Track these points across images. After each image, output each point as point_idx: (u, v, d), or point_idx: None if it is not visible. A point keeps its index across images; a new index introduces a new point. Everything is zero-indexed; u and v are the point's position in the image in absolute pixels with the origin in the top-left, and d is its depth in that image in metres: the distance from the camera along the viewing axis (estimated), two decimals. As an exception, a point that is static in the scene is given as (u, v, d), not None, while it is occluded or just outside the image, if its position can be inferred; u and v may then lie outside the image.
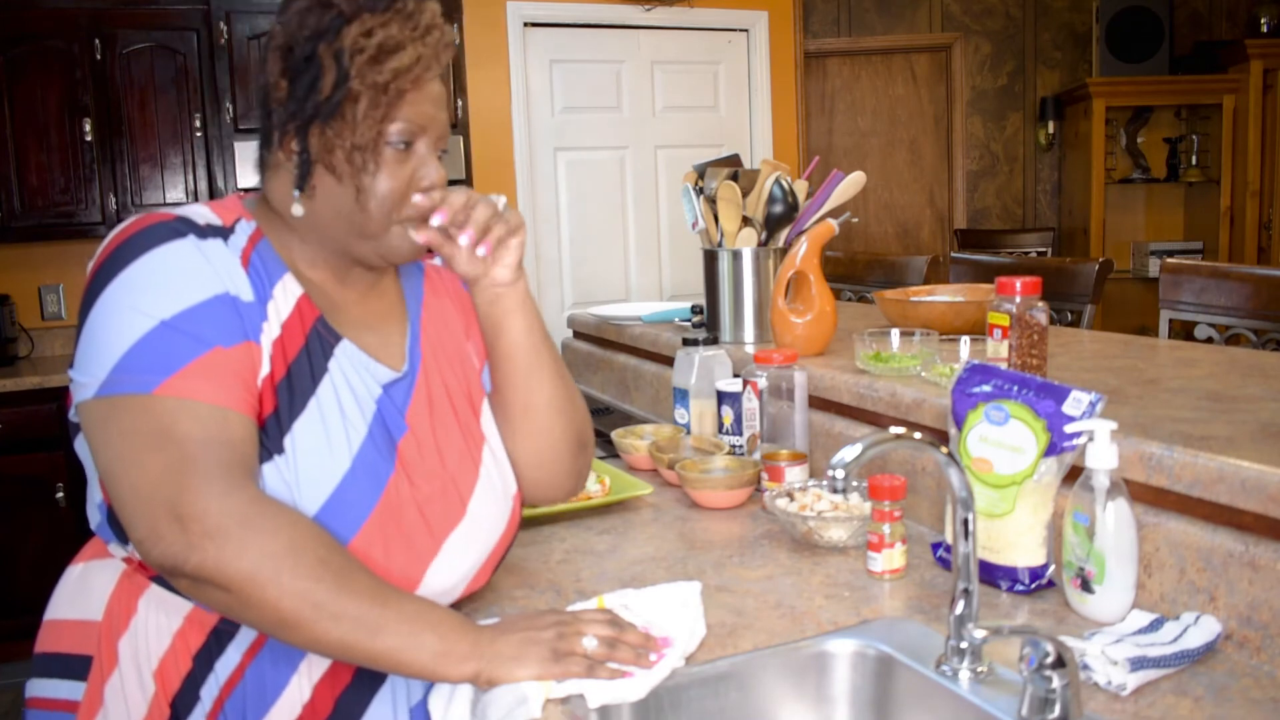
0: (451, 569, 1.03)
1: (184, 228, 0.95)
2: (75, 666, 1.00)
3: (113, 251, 0.93)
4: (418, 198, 1.01)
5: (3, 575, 3.33)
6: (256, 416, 0.93)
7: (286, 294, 1.00)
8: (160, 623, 0.97)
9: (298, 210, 1.01)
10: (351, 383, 1.00)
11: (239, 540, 0.85)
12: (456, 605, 1.09)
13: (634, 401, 2.35)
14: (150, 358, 0.88)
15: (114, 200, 3.63)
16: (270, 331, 0.96)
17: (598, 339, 2.62)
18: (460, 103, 3.99)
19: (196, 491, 0.86)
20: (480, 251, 1.03)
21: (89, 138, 3.58)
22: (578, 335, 2.78)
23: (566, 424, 1.16)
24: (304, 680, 0.98)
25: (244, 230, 1.01)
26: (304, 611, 0.86)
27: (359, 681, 1.01)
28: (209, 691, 0.96)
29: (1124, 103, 5.29)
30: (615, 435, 1.81)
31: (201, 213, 0.99)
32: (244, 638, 0.97)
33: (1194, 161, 5.41)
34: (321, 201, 1.00)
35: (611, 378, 2.48)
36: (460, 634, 0.93)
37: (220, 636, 0.97)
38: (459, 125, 3.98)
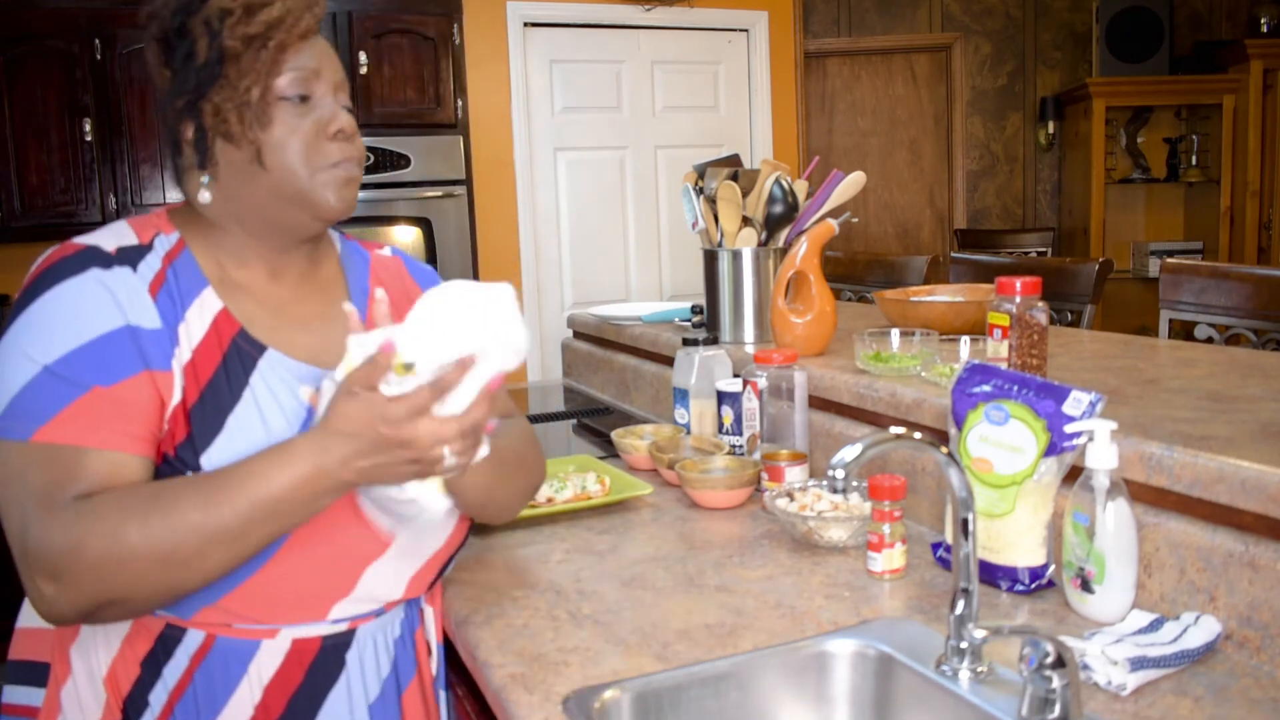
0: (390, 574, 1.02)
1: (87, 261, 0.96)
2: (39, 673, 1.02)
3: (24, 289, 0.95)
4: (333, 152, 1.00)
5: None
6: (146, 447, 0.93)
7: (203, 313, 0.99)
8: (108, 630, 0.98)
9: (204, 196, 1.01)
10: (276, 392, 0.99)
11: (74, 567, 0.86)
12: (397, 605, 1.08)
13: (634, 401, 2.35)
14: (30, 405, 0.90)
15: (114, 200, 3.63)
16: (181, 357, 0.96)
17: (598, 339, 2.62)
18: (460, 103, 3.99)
19: (33, 539, 0.87)
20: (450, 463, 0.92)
21: (89, 138, 3.58)
22: (578, 335, 2.78)
23: (513, 504, 1.15)
24: (254, 682, 0.98)
25: (162, 246, 1.01)
26: (171, 569, 0.87)
27: (311, 680, 1.00)
28: (158, 697, 0.97)
29: (1124, 103, 5.29)
30: (615, 435, 1.81)
31: (119, 232, 1.00)
32: (190, 643, 0.97)
33: (1194, 161, 5.41)
34: (229, 177, 1.00)
35: (611, 378, 2.48)
36: (316, 479, 0.89)
37: (167, 642, 0.97)
38: (459, 125, 3.98)
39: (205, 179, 1.01)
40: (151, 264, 0.99)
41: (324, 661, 1.01)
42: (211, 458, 0.94)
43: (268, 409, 0.98)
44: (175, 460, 0.94)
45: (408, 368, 0.87)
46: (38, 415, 0.90)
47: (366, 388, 0.87)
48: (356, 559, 0.99)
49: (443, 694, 1.16)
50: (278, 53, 0.98)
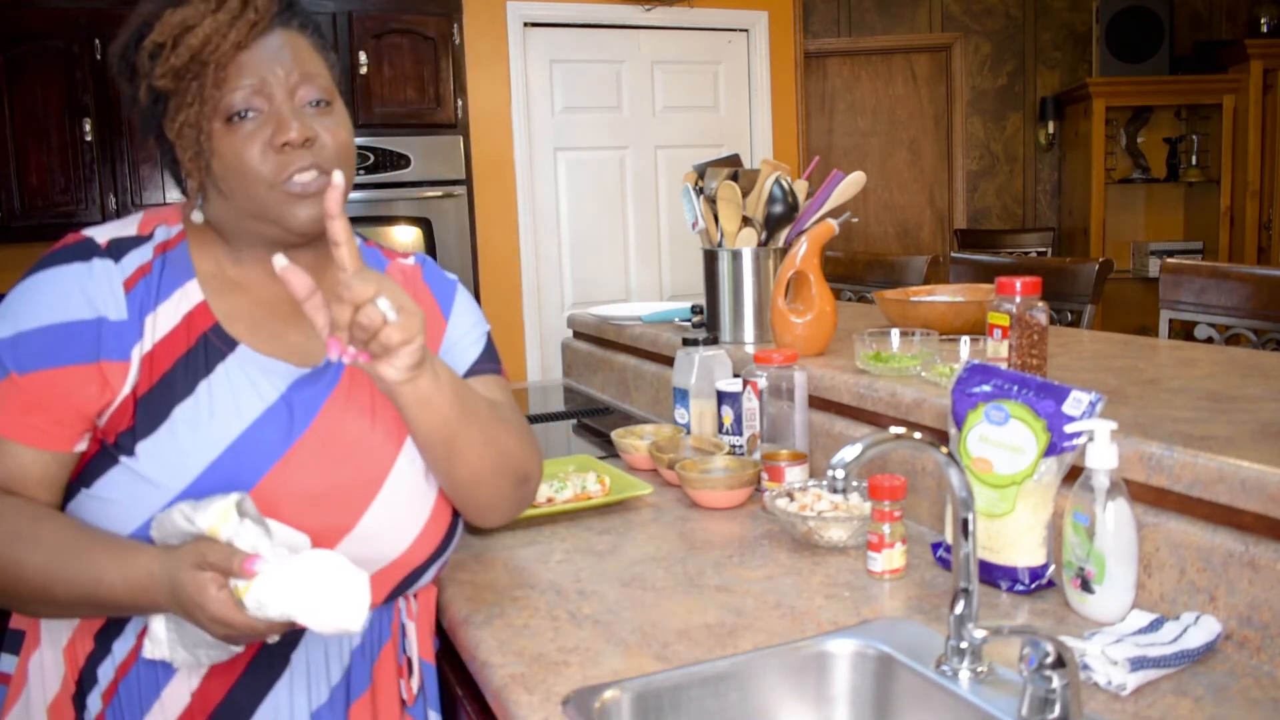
0: None
1: (74, 253, 0.99)
2: (14, 640, 1.05)
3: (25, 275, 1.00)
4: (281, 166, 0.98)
5: None
6: (58, 441, 0.96)
7: (179, 305, 1.01)
8: (60, 621, 1.00)
9: (197, 216, 1.05)
10: (238, 390, 0.99)
11: None
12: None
13: (634, 401, 2.35)
14: None
15: (114, 200, 3.63)
16: (143, 347, 0.98)
17: (598, 339, 2.62)
18: (460, 103, 3.99)
19: None
20: (346, 360, 0.91)
21: (89, 138, 3.58)
22: (578, 335, 2.78)
23: (495, 484, 1.08)
24: (193, 671, 0.99)
25: (159, 237, 1.03)
26: (11, 602, 0.94)
27: (252, 674, 1.00)
28: (105, 673, 0.98)
29: (1124, 103, 5.29)
30: (615, 435, 1.81)
31: (124, 224, 1.03)
32: (138, 620, 0.98)
33: (1194, 161, 5.41)
34: (206, 199, 1.03)
35: (611, 378, 2.48)
36: (151, 596, 0.91)
37: (108, 630, 0.99)
38: (459, 125, 3.98)
39: (198, 200, 1.04)
40: (139, 255, 1.01)
41: (268, 657, 1.00)
42: (147, 447, 0.95)
43: (221, 405, 0.98)
44: (112, 448, 0.96)
45: (243, 597, 0.88)
46: None
47: (212, 571, 0.87)
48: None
49: (432, 715, 1.14)
50: (216, 73, 0.96)
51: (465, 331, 1.19)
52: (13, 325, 0.96)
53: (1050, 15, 5.57)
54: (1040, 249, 5.26)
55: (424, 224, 3.90)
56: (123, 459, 0.95)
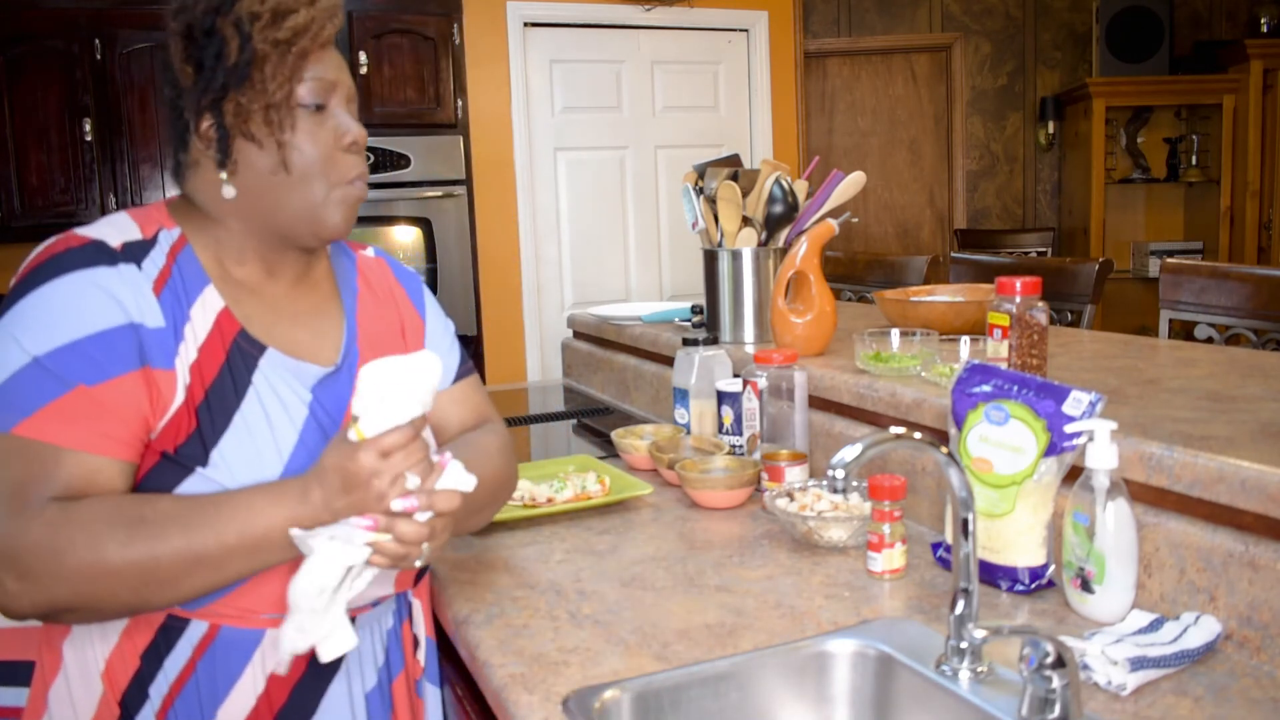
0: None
1: (90, 257, 0.95)
2: (19, 673, 1.02)
3: (22, 277, 0.95)
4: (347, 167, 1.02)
5: None
6: (127, 450, 0.93)
7: (206, 311, 1.00)
8: (106, 623, 0.97)
9: (229, 191, 1.01)
10: (279, 391, 1.00)
11: (47, 570, 0.85)
12: (389, 597, 1.09)
13: (634, 401, 2.35)
14: (14, 396, 0.90)
15: (114, 200, 3.63)
16: (187, 355, 0.97)
17: (598, 339, 2.62)
18: (460, 103, 3.99)
19: (3, 538, 0.86)
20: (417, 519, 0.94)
21: (89, 138, 3.58)
22: (578, 335, 2.78)
23: (491, 510, 1.19)
24: (258, 672, 0.98)
25: (165, 240, 1.01)
26: (146, 589, 0.88)
27: (313, 671, 1.01)
28: (158, 689, 0.96)
29: (1124, 103, 5.29)
30: (615, 435, 1.81)
31: (122, 226, 1.00)
32: (194, 632, 0.96)
33: (1194, 161, 5.41)
34: (246, 175, 1.01)
35: (611, 378, 2.48)
36: (282, 501, 0.91)
37: (169, 633, 0.96)
38: (459, 125, 3.98)
39: (224, 175, 1.01)
40: (156, 260, 0.99)
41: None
42: (224, 452, 0.94)
43: (271, 407, 0.99)
44: (177, 457, 0.94)
45: (356, 421, 0.93)
46: (20, 408, 0.89)
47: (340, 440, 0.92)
48: None
49: (430, 688, 1.16)
50: (299, 59, 0.99)
51: (441, 332, 1.23)
52: (52, 336, 0.91)
53: (1050, 15, 5.57)
54: (1040, 249, 5.26)
55: (424, 224, 3.90)
56: (198, 469, 0.94)
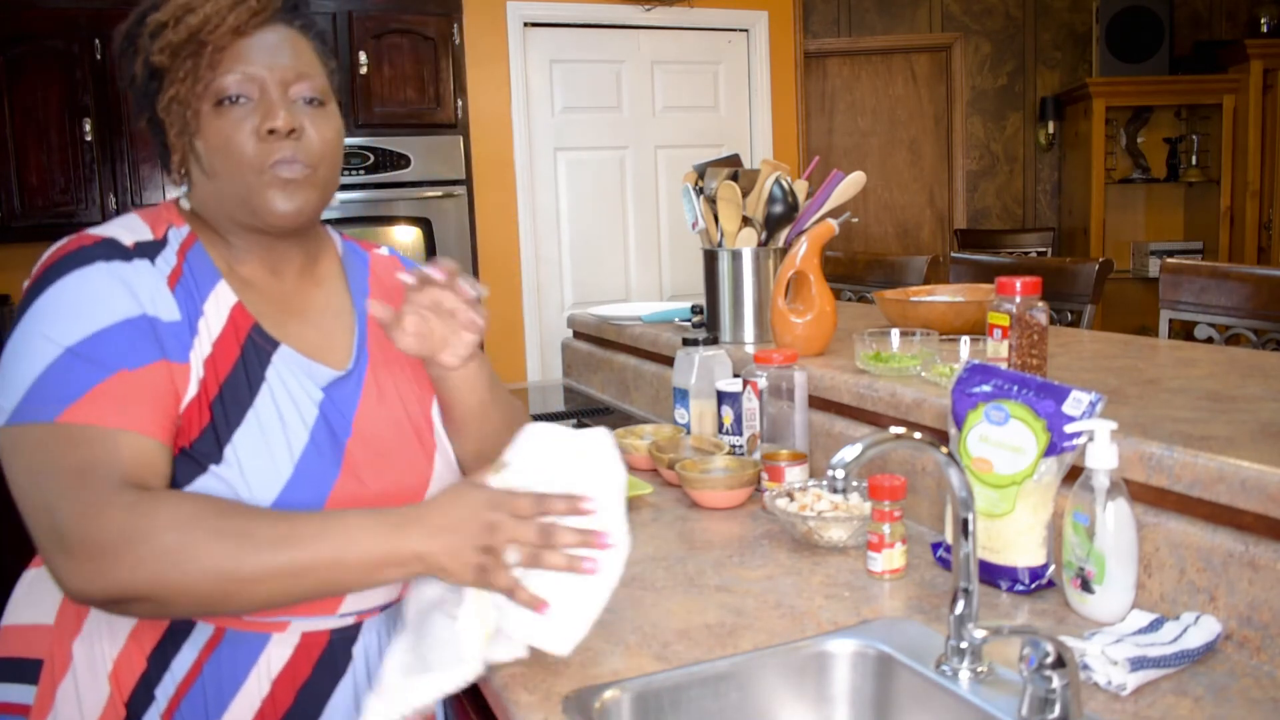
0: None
1: (104, 252, 0.96)
2: (28, 670, 1.00)
3: (37, 277, 0.95)
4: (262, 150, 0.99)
5: None
6: (166, 435, 0.92)
7: (219, 306, 1.00)
8: (114, 624, 0.96)
9: (184, 203, 1.05)
10: (290, 389, 1.00)
11: (129, 553, 0.84)
12: (391, 604, 1.09)
13: (634, 401, 2.35)
14: (55, 387, 0.89)
15: (114, 200, 3.63)
16: (201, 349, 0.97)
17: (598, 339, 2.62)
18: (460, 103, 3.98)
19: (76, 519, 0.85)
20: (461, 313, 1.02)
21: (89, 138, 3.57)
22: (578, 335, 2.78)
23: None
24: (263, 675, 0.98)
25: (175, 239, 1.02)
26: (223, 587, 0.86)
27: (319, 673, 1.00)
28: (164, 691, 0.96)
29: (1124, 103, 5.29)
30: (615, 435, 1.81)
31: (132, 227, 1.00)
32: (199, 635, 0.96)
33: (1194, 161, 5.41)
34: (193, 184, 1.03)
35: (611, 378, 2.48)
36: (385, 548, 0.88)
37: (175, 636, 0.96)
38: (459, 125, 3.98)
39: (182, 187, 1.04)
40: (168, 257, 0.99)
41: (332, 654, 1.01)
42: (236, 447, 0.94)
43: (284, 404, 0.99)
44: (192, 452, 0.94)
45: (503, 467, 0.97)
46: (64, 396, 0.89)
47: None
48: None
49: None
50: (214, 55, 0.97)
51: None
52: (80, 326, 0.91)
53: (1050, 15, 5.56)
54: (1040, 249, 5.26)
55: (424, 224, 3.90)
56: (211, 467, 0.93)
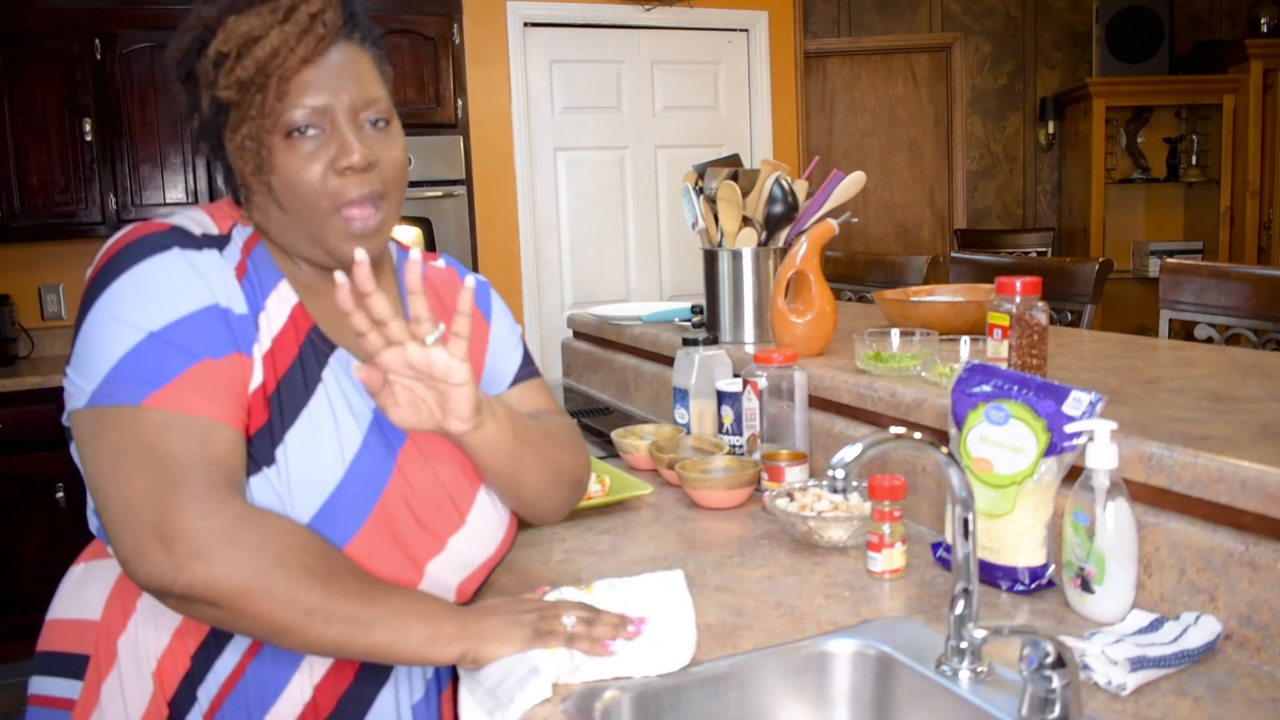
0: (442, 578, 1.03)
1: (177, 240, 0.95)
2: (74, 665, 1.00)
3: (106, 263, 0.94)
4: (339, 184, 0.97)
5: (4, 575, 3.33)
6: (245, 428, 0.93)
7: (280, 304, 0.99)
8: (159, 622, 0.96)
9: (250, 222, 1.03)
10: (346, 392, 1.00)
11: (225, 557, 0.85)
12: None
13: (634, 401, 2.35)
14: (139, 369, 0.88)
15: (114, 200, 3.63)
16: (261, 345, 0.96)
17: (598, 339, 2.62)
18: (460, 103, 3.99)
19: (180, 510, 0.85)
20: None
21: (89, 138, 3.58)
22: (578, 335, 2.78)
23: (553, 496, 1.14)
24: (305, 680, 0.98)
25: (240, 236, 1.01)
26: (296, 619, 0.87)
27: (362, 679, 1.01)
28: (206, 692, 0.96)
29: (1124, 103, 5.29)
30: (615, 435, 1.81)
31: (199, 220, 1.00)
32: (242, 638, 0.96)
33: (1194, 161, 5.41)
34: (260, 214, 1.01)
35: (611, 378, 2.48)
36: (446, 619, 0.94)
37: (219, 637, 0.96)
38: (459, 125, 3.98)
39: (243, 207, 1.02)
40: (233, 252, 0.99)
41: (374, 662, 1.00)
42: (288, 448, 0.94)
43: (338, 405, 0.98)
44: (250, 444, 0.94)
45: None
46: (150, 379, 0.88)
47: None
48: (418, 562, 1.00)
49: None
50: (279, 87, 0.94)
51: (506, 335, 1.22)
52: (162, 311, 0.90)
53: (1050, 15, 5.57)
54: (1040, 249, 5.26)
55: (424, 224, 3.90)
56: (264, 469, 0.93)
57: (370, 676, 1.01)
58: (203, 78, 0.97)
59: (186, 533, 0.85)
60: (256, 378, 0.95)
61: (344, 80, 0.98)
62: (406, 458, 1.01)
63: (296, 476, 0.94)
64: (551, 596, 1.08)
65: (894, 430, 0.94)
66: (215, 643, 0.96)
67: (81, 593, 1.02)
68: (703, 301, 2.05)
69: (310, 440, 0.95)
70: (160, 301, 0.91)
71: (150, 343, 0.89)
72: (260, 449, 0.93)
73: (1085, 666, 0.93)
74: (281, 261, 1.03)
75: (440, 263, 1.22)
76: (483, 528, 1.06)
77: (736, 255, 1.94)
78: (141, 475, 0.86)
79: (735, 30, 4.63)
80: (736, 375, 1.74)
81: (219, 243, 0.98)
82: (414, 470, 1.01)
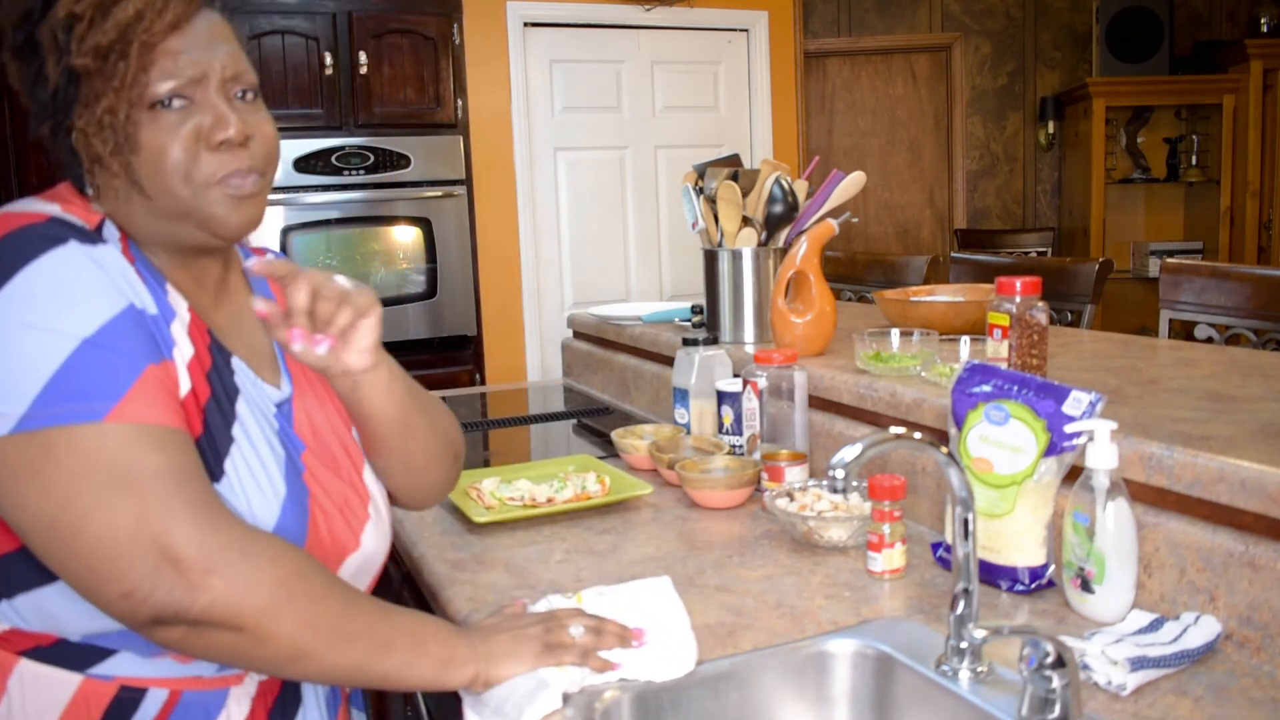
0: (358, 582, 0.99)
1: (68, 231, 0.82)
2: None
3: None
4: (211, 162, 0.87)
5: None
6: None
7: (179, 305, 0.90)
8: (42, 701, 0.84)
9: (99, 209, 0.89)
10: (256, 400, 0.93)
11: (248, 572, 0.78)
12: None
13: (634, 401, 2.35)
14: (87, 382, 0.77)
15: (114, 200, 3.63)
16: (182, 349, 0.87)
17: (598, 339, 2.62)
18: (460, 103, 3.98)
19: (183, 528, 0.77)
20: (320, 350, 0.91)
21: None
22: (578, 335, 2.78)
23: (440, 463, 1.10)
24: None
25: (112, 233, 0.88)
26: (320, 638, 0.81)
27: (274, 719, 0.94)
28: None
29: (1124, 103, 5.29)
30: (615, 435, 1.81)
31: (55, 211, 0.85)
32: (151, 704, 0.86)
33: (1194, 161, 5.41)
34: (113, 200, 0.88)
35: (611, 378, 2.48)
36: (457, 638, 0.92)
37: (123, 706, 0.85)
38: (459, 125, 3.98)
39: (95, 205, 0.89)
40: (116, 248, 0.86)
41: (284, 698, 0.95)
42: (235, 461, 0.87)
43: (258, 416, 0.92)
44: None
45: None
46: (104, 393, 0.77)
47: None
48: (343, 561, 0.97)
49: (356, 713, 1.12)
50: (143, 54, 0.83)
51: None
52: (84, 312, 0.79)
53: (1050, 15, 5.57)
54: (1040, 249, 5.27)
55: (424, 224, 3.90)
56: (215, 482, 0.85)
57: (281, 714, 0.94)
58: (47, 44, 0.83)
59: (197, 551, 0.77)
60: (185, 384, 0.85)
61: (211, 49, 0.87)
62: (309, 463, 0.96)
63: (249, 491, 0.87)
64: (539, 606, 1.07)
65: (894, 430, 0.94)
66: (119, 713, 0.84)
67: None
68: (703, 301, 2.05)
69: (250, 453, 0.88)
70: (83, 303, 0.79)
71: (88, 350, 0.77)
72: (206, 462, 0.84)
73: (1085, 666, 0.93)
74: (154, 259, 0.91)
75: (270, 257, 1.14)
76: (371, 542, 0.99)
77: (736, 255, 1.94)
78: (124, 498, 0.76)
79: (735, 30, 4.63)
80: (736, 375, 1.74)
81: (96, 237, 0.85)
82: (319, 478, 0.96)
